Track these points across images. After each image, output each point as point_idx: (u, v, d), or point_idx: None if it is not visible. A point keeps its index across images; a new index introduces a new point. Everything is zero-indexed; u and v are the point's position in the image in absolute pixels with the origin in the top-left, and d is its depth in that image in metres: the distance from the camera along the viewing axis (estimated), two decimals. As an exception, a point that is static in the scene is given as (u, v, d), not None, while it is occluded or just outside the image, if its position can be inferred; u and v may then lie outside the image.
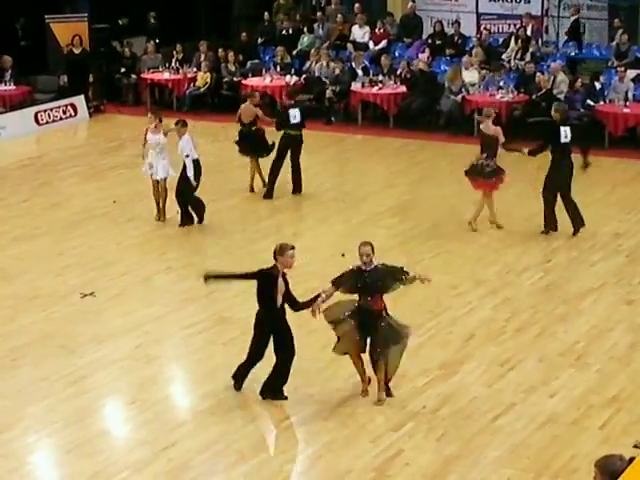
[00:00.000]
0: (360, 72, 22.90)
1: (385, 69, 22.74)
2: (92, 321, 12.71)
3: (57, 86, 24.14)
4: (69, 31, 23.85)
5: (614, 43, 22.91)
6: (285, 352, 10.52)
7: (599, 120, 20.33)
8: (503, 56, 23.09)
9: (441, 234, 15.61)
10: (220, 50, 24.27)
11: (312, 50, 24.04)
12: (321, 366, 11.19)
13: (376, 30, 24.73)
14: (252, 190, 17.72)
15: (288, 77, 23.23)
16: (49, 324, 12.64)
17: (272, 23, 26.14)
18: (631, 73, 21.39)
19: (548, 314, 12.82)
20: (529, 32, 23.48)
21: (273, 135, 17.59)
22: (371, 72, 22.92)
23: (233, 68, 24.01)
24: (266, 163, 17.68)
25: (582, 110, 20.45)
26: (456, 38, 24.17)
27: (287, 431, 10.28)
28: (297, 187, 17.58)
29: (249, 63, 24.49)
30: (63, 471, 9.74)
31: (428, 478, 9.31)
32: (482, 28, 24.81)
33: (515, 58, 22.91)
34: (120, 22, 25.76)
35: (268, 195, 17.40)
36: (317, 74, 23.31)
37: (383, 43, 24.51)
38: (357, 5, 25.26)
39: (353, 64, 23.20)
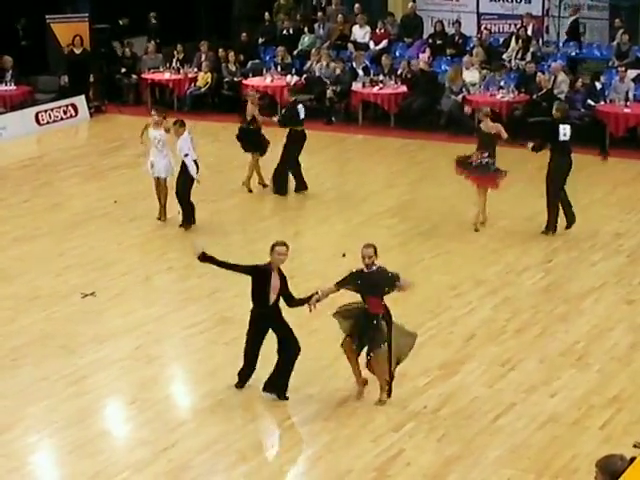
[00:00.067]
0: (361, 72, 22.90)
1: (386, 69, 22.75)
2: (93, 321, 12.71)
3: (58, 86, 24.14)
4: (70, 31, 23.85)
5: (615, 43, 22.91)
6: (288, 351, 10.54)
7: (600, 120, 20.33)
8: (504, 56, 23.09)
9: (441, 234, 15.61)
10: (221, 50, 24.27)
11: (313, 50, 24.04)
12: (321, 366, 11.19)
13: (377, 30, 24.74)
14: (250, 190, 17.72)
15: (289, 77, 23.23)
16: (50, 324, 12.65)
17: (273, 23, 26.15)
18: (632, 73, 21.39)
19: (549, 314, 12.82)
20: (530, 32, 23.48)
21: (272, 135, 17.61)
22: (372, 72, 22.92)
23: (234, 68, 24.01)
24: (267, 163, 17.71)
25: (583, 110, 20.45)
26: (457, 38, 24.17)
27: (288, 431, 10.28)
28: (301, 185, 17.60)
29: (250, 63, 24.49)
30: (64, 471, 9.75)
31: (429, 478, 9.31)
32: (483, 28, 24.82)
33: (516, 58, 22.91)
34: (121, 22, 25.76)
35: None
36: (318, 74, 23.31)
37: (384, 43, 24.52)
38: (357, 5, 25.26)
39: (354, 64, 23.20)
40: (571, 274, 14.20)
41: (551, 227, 15.43)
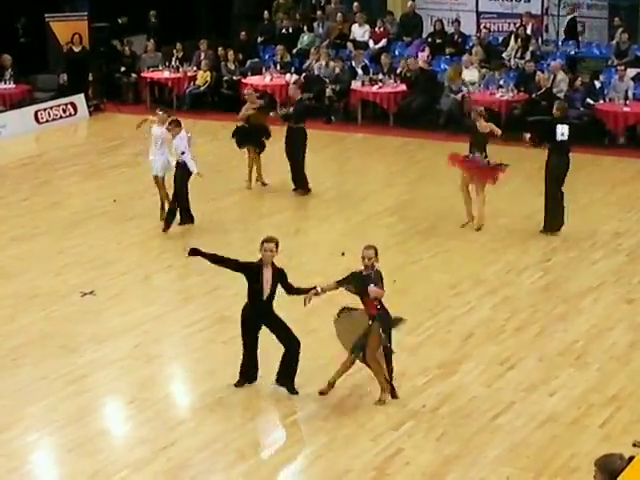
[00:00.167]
0: (360, 71, 22.90)
1: (385, 68, 22.75)
2: (92, 320, 12.71)
3: (57, 85, 24.14)
4: (69, 30, 23.86)
5: (614, 42, 22.92)
6: (289, 347, 10.58)
7: (599, 119, 20.33)
8: (503, 55, 23.10)
9: (440, 233, 15.61)
10: (220, 49, 24.28)
11: (312, 49, 24.03)
12: (320, 365, 11.17)
13: (376, 29, 24.74)
14: (250, 187, 17.75)
15: (288, 76, 23.22)
16: (49, 323, 12.65)
17: (272, 22, 26.15)
18: (631, 72, 21.40)
19: (548, 313, 12.82)
20: (529, 31, 23.49)
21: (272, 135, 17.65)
22: (371, 71, 22.92)
23: (233, 67, 24.01)
24: (268, 164, 17.72)
25: (582, 109, 20.46)
26: (456, 37, 24.17)
27: (287, 430, 10.29)
28: (296, 183, 17.64)
29: (249, 62, 24.49)
30: (63, 470, 9.75)
31: (428, 477, 9.31)
32: (482, 27, 24.83)
33: (515, 57, 22.92)
34: (120, 21, 25.76)
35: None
36: (317, 73, 23.30)
37: (383, 42, 24.51)
38: (356, 4, 25.27)
39: (353, 63, 23.21)
40: (570, 273, 14.20)
41: (548, 227, 15.42)
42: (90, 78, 23.94)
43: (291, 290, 10.63)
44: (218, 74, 23.90)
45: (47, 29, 23.97)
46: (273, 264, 10.49)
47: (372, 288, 10.20)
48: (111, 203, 17.17)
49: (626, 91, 20.64)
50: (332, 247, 14.68)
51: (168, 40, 24.97)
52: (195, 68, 24.14)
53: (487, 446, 9.74)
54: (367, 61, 23.43)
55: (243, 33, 25.31)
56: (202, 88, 23.85)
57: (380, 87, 22.25)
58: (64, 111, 23.14)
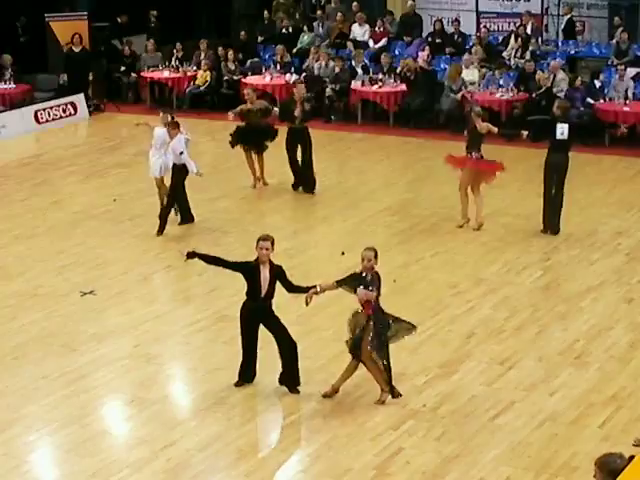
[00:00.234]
0: (360, 70, 22.90)
1: (385, 67, 22.75)
2: (92, 319, 12.72)
3: (57, 85, 24.15)
4: (69, 29, 23.87)
5: (614, 41, 22.93)
6: (288, 347, 10.58)
7: (599, 118, 20.33)
8: (503, 54, 23.11)
9: (441, 233, 15.61)
10: (220, 49, 24.28)
11: (312, 48, 24.03)
12: (320, 365, 11.19)
13: (376, 28, 24.75)
14: (255, 186, 17.77)
15: (288, 75, 23.22)
16: (49, 323, 12.65)
17: (272, 21, 26.16)
18: (631, 71, 21.41)
19: (548, 313, 12.82)
20: (529, 30, 23.50)
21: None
22: (371, 70, 22.92)
23: (233, 67, 24.01)
24: (268, 164, 17.71)
25: (582, 108, 20.46)
26: (456, 36, 24.18)
27: (287, 429, 10.28)
28: (301, 183, 17.62)
29: (249, 62, 24.49)
30: (63, 469, 9.74)
31: (428, 476, 9.31)
32: (482, 26, 24.84)
33: (515, 56, 22.93)
34: (119, 20, 25.77)
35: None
36: (317, 73, 23.30)
37: (383, 41, 24.52)
38: (355, 3, 25.28)
39: (353, 62, 23.20)
40: (570, 273, 14.20)
41: (548, 227, 15.41)
42: (90, 78, 23.94)
43: (291, 288, 10.64)
44: (218, 74, 23.90)
45: (47, 29, 23.98)
46: (270, 262, 10.49)
47: (361, 291, 10.22)
48: (111, 203, 17.17)
49: (626, 90, 20.65)
50: (332, 247, 14.68)
51: (168, 40, 24.97)
52: (195, 68, 24.14)
53: (487, 446, 9.75)
54: (367, 61, 23.44)
55: (243, 33, 25.31)
56: (202, 88, 23.86)
57: (380, 87, 22.24)
58: (64, 111, 23.14)
